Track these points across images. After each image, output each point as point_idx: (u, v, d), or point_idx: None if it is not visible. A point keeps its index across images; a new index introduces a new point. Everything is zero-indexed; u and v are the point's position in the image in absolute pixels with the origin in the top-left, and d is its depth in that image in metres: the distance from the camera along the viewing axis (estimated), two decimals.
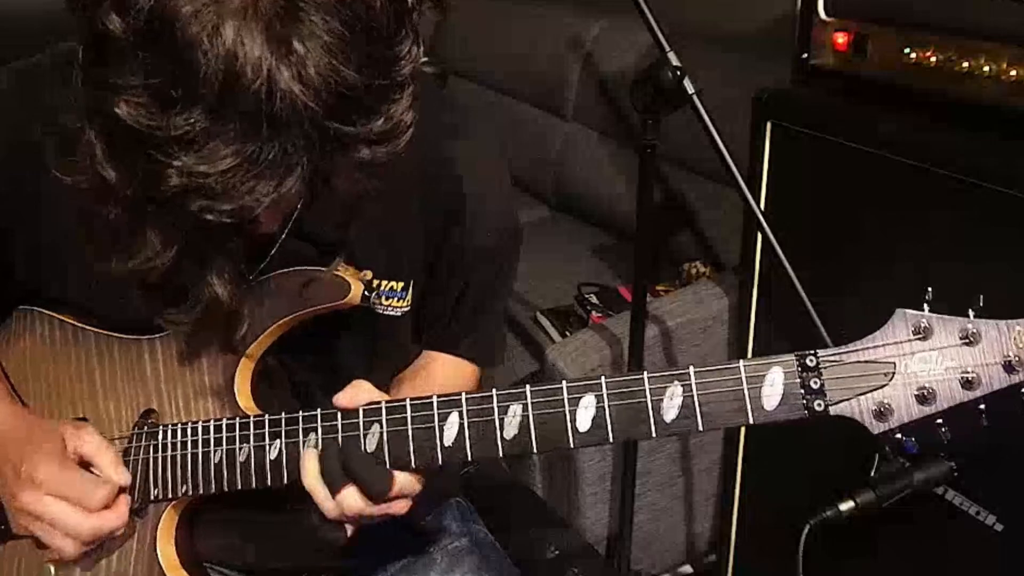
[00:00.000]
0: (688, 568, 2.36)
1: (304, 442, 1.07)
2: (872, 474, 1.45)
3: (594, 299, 2.38)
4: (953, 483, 1.53)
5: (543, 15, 3.05)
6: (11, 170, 1.13)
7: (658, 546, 2.25)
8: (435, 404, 1.02)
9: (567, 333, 2.27)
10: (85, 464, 1.14)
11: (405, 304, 1.21)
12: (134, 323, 1.19)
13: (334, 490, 1.04)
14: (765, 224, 1.57)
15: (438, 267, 1.23)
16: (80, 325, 1.23)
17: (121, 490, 1.14)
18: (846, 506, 1.41)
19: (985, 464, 1.51)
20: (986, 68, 1.44)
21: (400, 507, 1.07)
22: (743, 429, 1.98)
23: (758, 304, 1.89)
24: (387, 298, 1.19)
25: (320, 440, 1.06)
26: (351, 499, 1.04)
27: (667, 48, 1.60)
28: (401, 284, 1.20)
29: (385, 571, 1.35)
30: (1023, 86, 1.41)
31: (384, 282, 1.19)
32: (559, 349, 2.10)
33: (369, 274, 1.16)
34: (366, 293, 1.12)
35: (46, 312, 1.25)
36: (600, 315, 2.31)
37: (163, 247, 0.92)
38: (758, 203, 1.69)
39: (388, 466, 1.04)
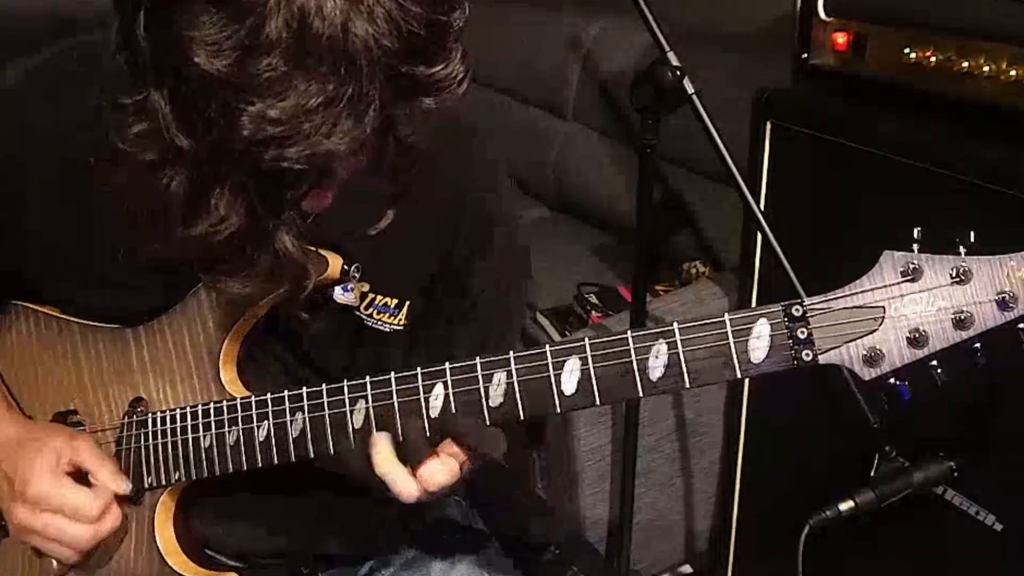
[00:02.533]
0: (688, 568, 2.36)
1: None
2: (872, 474, 1.45)
3: (594, 299, 2.38)
4: (953, 483, 1.53)
5: (543, 15, 3.04)
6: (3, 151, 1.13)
7: (658, 546, 2.25)
8: (419, 376, 1.02)
9: (567, 333, 2.27)
10: (81, 474, 1.14)
11: (396, 322, 1.21)
12: (118, 315, 1.19)
13: (417, 463, 1.01)
14: (765, 224, 1.57)
15: (443, 286, 1.22)
16: (64, 317, 1.23)
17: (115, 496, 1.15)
18: (846, 506, 1.41)
19: (985, 464, 1.52)
20: (986, 68, 1.45)
21: None
22: (743, 428, 1.98)
23: (758, 304, 1.89)
24: (379, 312, 1.19)
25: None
26: (435, 469, 1.01)
27: (667, 48, 1.60)
28: (395, 301, 1.20)
29: (386, 569, 1.35)
30: (1023, 86, 1.41)
31: (379, 296, 1.19)
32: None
33: (366, 286, 1.17)
34: (345, 267, 1.11)
35: (30, 306, 1.25)
36: (600, 315, 2.31)
37: (227, 211, 0.91)
38: (758, 203, 1.69)
39: None
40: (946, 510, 1.60)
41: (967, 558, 1.62)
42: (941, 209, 1.51)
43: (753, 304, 1.89)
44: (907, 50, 1.54)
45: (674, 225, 2.48)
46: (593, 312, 2.33)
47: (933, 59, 1.51)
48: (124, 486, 1.15)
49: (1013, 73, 1.42)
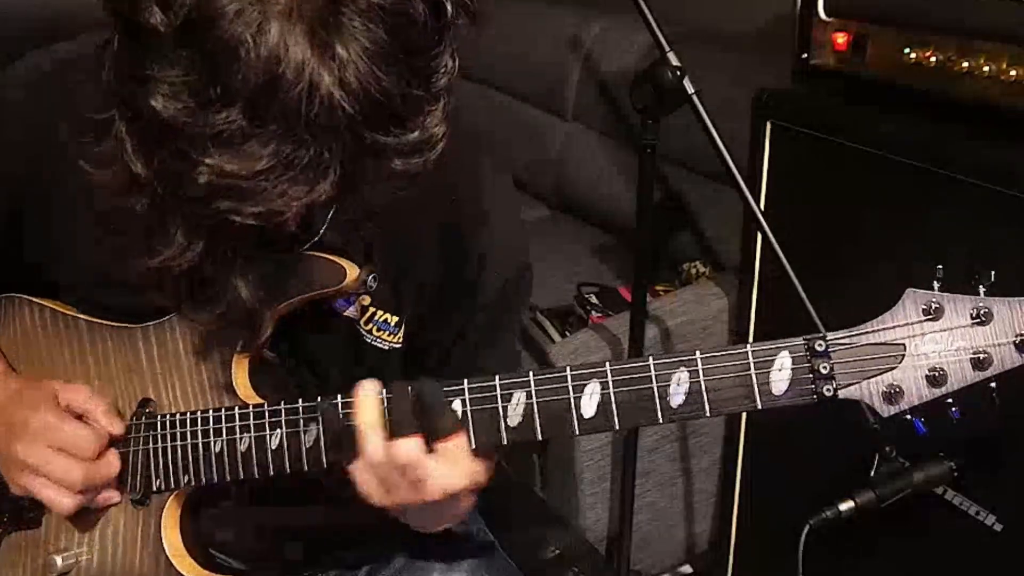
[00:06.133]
0: (688, 568, 2.36)
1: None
2: (872, 474, 1.45)
3: (594, 299, 2.38)
4: (953, 483, 1.53)
5: (543, 15, 3.04)
6: (28, 152, 1.13)
7: (658, 546, 2.25)
8: None
9: (567, 333, 2.27)
10: (79, 418, 1.14)
11: (395, 340, 1.20)
12: (134, 311, 1.18)
13: (400, 433, 0.97)
14: (765, 224, 1.57)
15: (445, 292, 1.21)
16: (71, 313, 1.22)
17: (113, 441, 1.14)
18: (846, 506, 1.41)
19: (985, 464, 1.52)
20: (986, 68, 1.45)
21: (432, 492, 1.01)
22: (743, 428, 1.98)
23: (758, 304, 1.89)
24: (379, 329, 1.18)
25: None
26: (407, 446, 0.97)
27: (667, 48, 1.60)
28: (395, 319, 1.19)
29: (386, 569, 1.35)
30: (1023, 86, 1.41)
31: (380, 312, 1.18)
32: (559, 349, 2.10)
33: (367, 299, 1.16)
34: (364, 278, 1.11)
35: (35, 300, 1.24)
36: (600, 315, 2.31)
37: (187, 246, 0.91)
38: (758, 203, 1.69)
39: None
40: (946, 510, 1.60)
41: (967, 558, 1.62)
42: (941, 209, 1.51)
43: (753, 304, 1.89)
44: (907, 50, 1.54)
45: (674, 225, 2.48)
46: (593, 312, 2.33)
47: (933, 59, 1.51)
48: (119, 426, 1.14)
49: (1013, 73, 1.42)
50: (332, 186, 0.83)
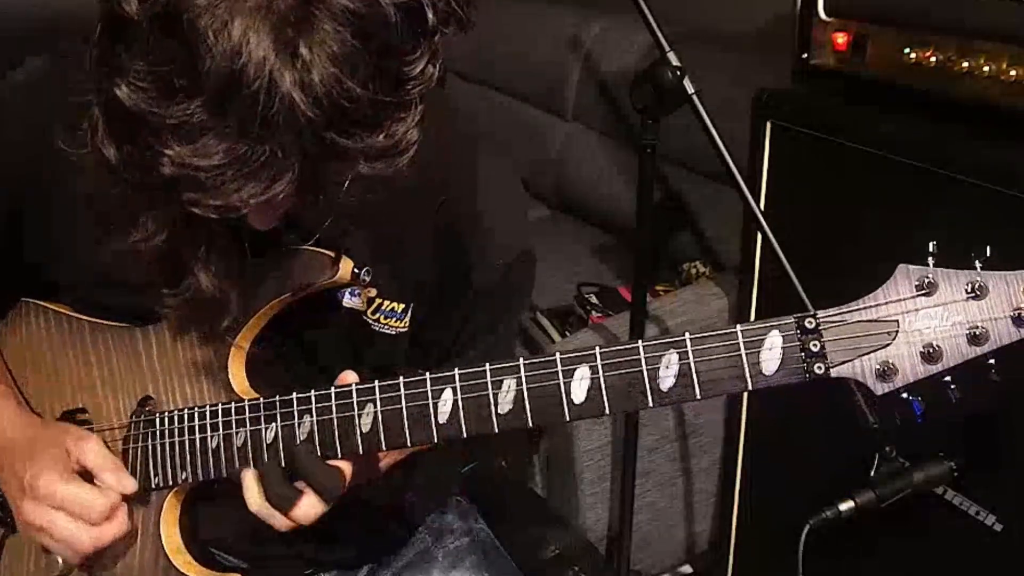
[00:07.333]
0: (688, 568, 2.36)
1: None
2: (872, 474, 1.45)
3: (594, 299, 2.38)
4: (953, 483, 1.53)
5: (543, 15, 3.05)
6: (28, 152, 1.13)
7: (658, 546, 2.25)
8: (428, 381, 1.01)
9: (567, 333, 2.27)
10: (88, 474, 1.14)
11: (403, 325, 1.21)
12: (134, 311, 1.19)
13: (286, 509, 1.05)
14: (765, 224, 1.57)
15: (444, 292, 1.22)
16: (75, 315, 1.23)
17: (124, 499, 1.14)
18: (846, 506, 1.41)
19: (985, 464, 1.52)
20: (986, 68, 1.45)
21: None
22: (743, 428, 1.98)
23: (758, 304, 1.89)
24: (386, 317, 1.19)
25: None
26: (307, 509, 1.05)
27: (667, 48, 1.60)
28: (402, 306, 1.20)
29: (387, 569, 1.35)
30: (1023, 86, 1.41)
31: (386, 302, 1.19)
32: (559, 349, 2.10)
33: (373, 291, 1.17)
34: (355, 270, 1.11)
35: (41, 303, 1.25)
36: (600, 315, 2.31)
37: (155, 231, 0.93)
38: (758, 203, 1.69)
39: (384, 447, 1.03)
40: (946, 510, 1.60)
41: (967, 558, 1.62)
42: (941, 209, 1.51)
43: (753, 304, 1.89)
44: (907, 50, 1.54)
45: (674, 225, 2.48)
46: (593, 312, 2.34)
47: (933, 59, 1.51)
48: (130, 485, 1.14)
49: (1013, 73, 1.42)
50: (290, 186, 0.83)
